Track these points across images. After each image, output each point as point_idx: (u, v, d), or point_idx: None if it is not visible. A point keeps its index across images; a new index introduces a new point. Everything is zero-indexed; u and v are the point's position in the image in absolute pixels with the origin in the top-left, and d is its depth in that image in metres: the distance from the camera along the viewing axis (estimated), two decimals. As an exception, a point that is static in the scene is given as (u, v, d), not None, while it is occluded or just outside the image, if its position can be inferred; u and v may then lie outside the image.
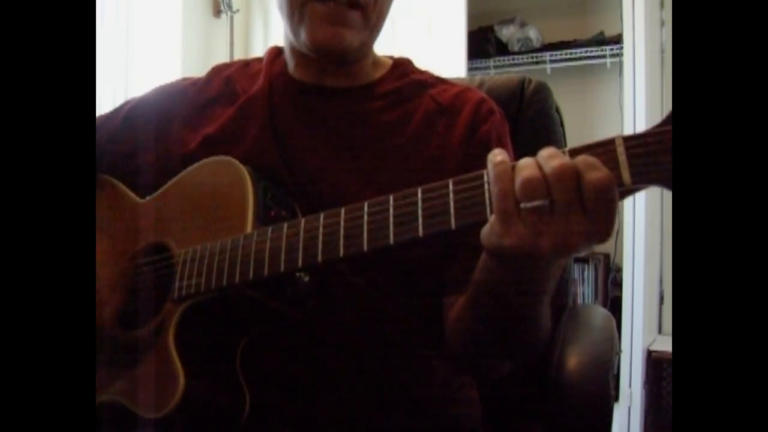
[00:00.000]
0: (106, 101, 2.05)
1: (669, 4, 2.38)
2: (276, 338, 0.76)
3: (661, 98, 2.36)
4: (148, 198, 0.86)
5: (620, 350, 2.05)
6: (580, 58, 2.60)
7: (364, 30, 0.81)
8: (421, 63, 0.93)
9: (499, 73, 2.67)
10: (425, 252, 0.78)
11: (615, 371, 0.90)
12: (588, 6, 2.72)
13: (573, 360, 0.89)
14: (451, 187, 0.57)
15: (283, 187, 0.78)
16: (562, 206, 0.51)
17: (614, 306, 2.33)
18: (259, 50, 2.62)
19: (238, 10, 2.52)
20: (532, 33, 2.69)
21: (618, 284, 2.38)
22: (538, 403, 0.90)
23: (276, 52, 0.92)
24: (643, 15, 2.20)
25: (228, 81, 0.91)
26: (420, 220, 0.58)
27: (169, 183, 0.83)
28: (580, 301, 2.49)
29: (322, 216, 0.64)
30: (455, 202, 0.56)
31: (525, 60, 2.68)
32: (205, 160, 0.80)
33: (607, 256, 2.49)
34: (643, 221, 2.17)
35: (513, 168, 0.53)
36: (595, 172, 0.50)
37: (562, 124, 1.09)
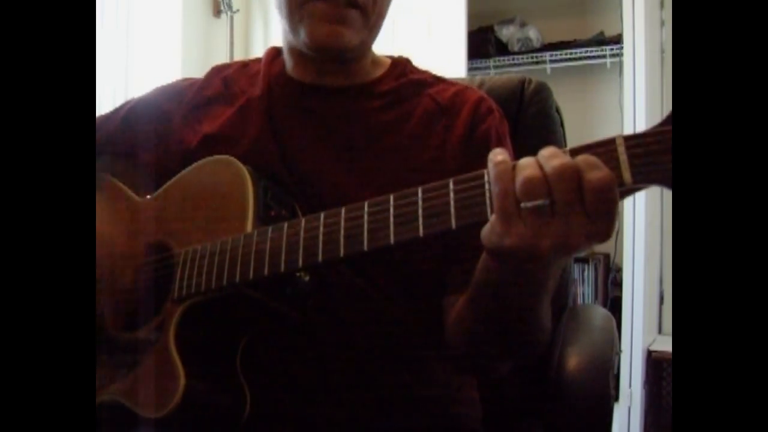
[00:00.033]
0: (106, 101, 2.05)
1: (669, 4, 2.38)
2: (276, 338, 0.76)
3: (661, 98, 2.36)
4: (148, 197, 0.86)
5: (620, 350, 2.05)
6: (580, 58, 2.60)
7: (363, 29, 0.81)
8: (421, 63, 0.93)
9: (499, 73, 2.67)
10: (425, 252, 0.78)
11: (615, 371, 0.90)
12: (588, 6, 2.72)
13: (573, 360, 0.89)
14: (451, 186, 0.57)
15: (283, 187, 0.78)
16: (563, 206, 0.51)
17: (614, 306, 2.33)
18: (259, 50, 2.62)
19: (238, 10, 2.52)
20: (532, 33, 2.69)
21: (618, 284, 2.38)
22: (539, 403, 0.90)
23: (274, 53, 0.92)
24: (643, 15, 2.20)
25: (227, 81, 0.91)
26: (420, 219, 0.58)
27: (170, 182, 0.83)
28: (580, 301, 2.49)
29: (322, 216, 0.64)
30: (456, 201, 0.56)
31: (525, 60, 2.68)
32: (206, 160, 0.80)
33: (607, 256, 2.49)
34: (643, 221, 2.17)
35: (514, 167, 0.53)
36: (596, 171, 0.50)
37: (562, 124, 1.09)
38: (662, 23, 2.41)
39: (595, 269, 2.49)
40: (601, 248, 2.46)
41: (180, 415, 0.67)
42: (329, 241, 0.63)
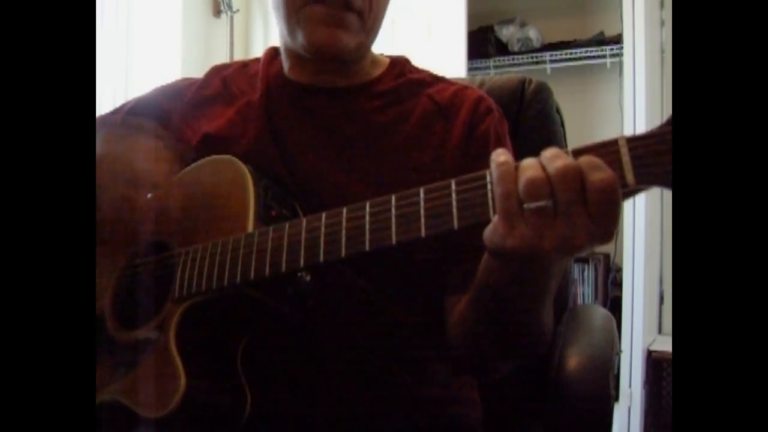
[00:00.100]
0: (106, 101, 2.05)
1: (669, 4, 2.38)
2: (277, 338, 0.76)
3: (661, 98, 2.36)
4: (148, 196, 0.86)
5: (620, 350, 2.05)
6: (580, 58, 2.60)
7: (361, 32, 0.81)
8: (421, 63, 0.93)
9: (499, 73, 2.67)
10: (427, 252, 0.78)
11: (615, 371, 0.90)
12: (588, 6, 2.72)
13: (573, 360, 0.89)
14: (453, 187, 0.57)
15: (283, 187, 0.78)
16: (566, 207, 0.51)
17: (614, 306, 2.33)
18: (259, 50, 2.61)
19: (238, 10, 2.52)
20: (532, 33, 2.69)
21: (618, 284, 2.38)
22: (539, 403, 0.90)
23: (273, 53, 0.92)
24: (643, 15, 2.20)
25: (226, 81, 0.92)
26: (422, 220, 0.58)
27: (170, 182, 0.83)
28: (580, 301, 2.49)
29: (324, 216, 0.64)
30: (458, 202, 0.56)
31: (525, 60, 2.68)
32: (206, 159, 0.80)
33: (607, 256, 2.50)
34: (643, 221, 2.18)
35: (516, 168, 0.53)
36: (599, 172, 0.50)
37: (562, 124, 1.09)
38: (662, 23, 2.41)
39: (595, 269, 2.49)
40: (601, 248, 2.46)
41: (180, 415, 0.67)
42: (331, 242, 0.63)
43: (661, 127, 0.50)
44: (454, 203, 0.56)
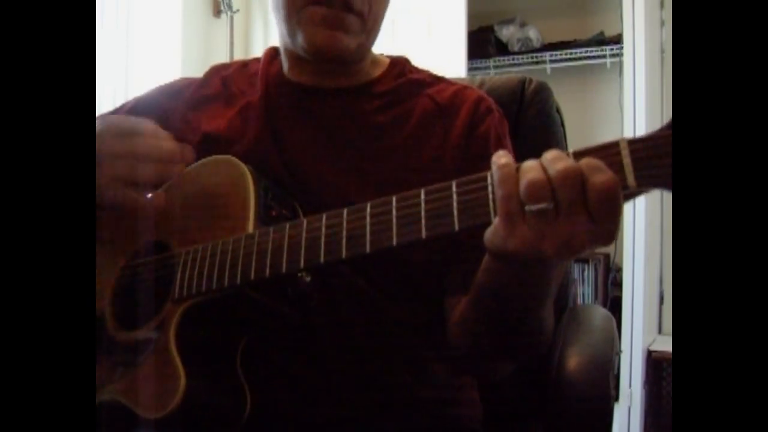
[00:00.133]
0: (106, 101, 2.05)
1: (669, 4, 2.38)
2: (277, 338, 0.76)
3: (661, 98, 2.36)
4: (148, 196, 0.86)
5: (620, 350, 2.05)
6: (580, 58, 2.60)
7: (361, 33, 0.81)
8: (421, 63, 0.93)
9: (499, 73, 2.67)
10: (427, 252, 0.78)
11: (615, 371, 0.90)
12: (588, 6, 2.72)
13: (573, 360, 0.89)
14: (454, 188, 0.57)
15: (283, 188, 0.78)
16: (567, 209, 0.51)
17: (614, 306, 2.33)
18: (259, 50, 2.61)
19: (238, 10, 2.52)
20: (532, 33, 2.69)
21: (618, 284, 2.38)
22: (539, 403, 0.90)
23: (273, 53, 0.92)
24: (643, 15, 2.20)
25: (226, 81, 0.92)
26: (423, 221, 0.57)
27: (170, 181, 0.83)
28: (580, 301, 2.49)
29: (324, 217, 0.64)
30: (458, 203, 0.56)
31: (525, 60, 2.68)
32: (207, 159, 0.80)
33: (607, 256, 2.49)
34: (643, 221, 2.18)
35: (517, 170, 0.53)
36: (600, 175, 0.50)
37: (562, 124, 1.08)
38: (662, 23, 2.41)
39: (595, 269, 2.49)
40: (601, 248, 2.46)
41: (180, 415, 0.67)
42: (331, 242, 0.63)
43: (662, 129, 0.50)
44: (455, 205, 0.56)
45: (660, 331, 2.42)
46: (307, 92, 0.86)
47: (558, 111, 1.08)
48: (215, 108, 0.89)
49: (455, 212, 0.56)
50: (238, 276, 0.68)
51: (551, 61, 2.64)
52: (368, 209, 0.61)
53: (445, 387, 0.84)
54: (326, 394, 0.78)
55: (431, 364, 0.83)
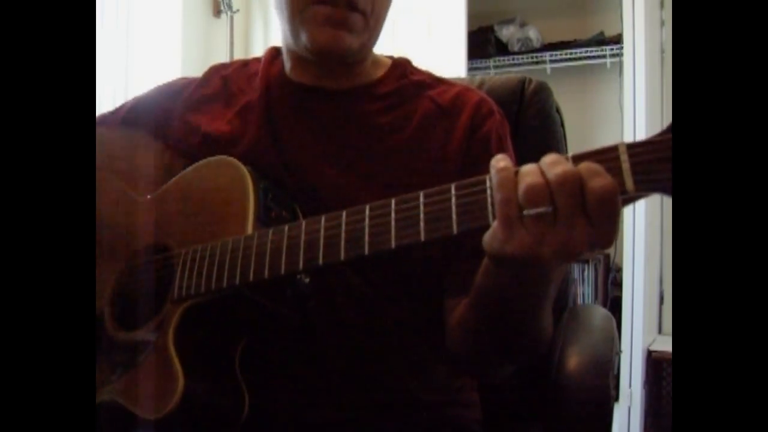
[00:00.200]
0: (106, 101, 2.05)
1: (669, 4, 2.38)
2: (276, 339, 0.76)
3: (661, 98, 2.36)
4: (148, 197, 0.86)
5: (620, 350, 2.05)
6: (580, 58, 2.60)
7: (364, 32, 0.81)
8: (421, 63, 0.93)
9: (499, 73, 2.67)
10: (426, 255, 0.78)
11: (615, 371, 0.90)
12: (588, 6, 2.72)
13: (573, 360, 0.88)
14: (453, 191, 0.57)
15: (283, 189, 0.78)
16: (565, 213, 0.51)
17: (614, 306, 2.33)
18: (259, 50, 2.62)
19: (238, 10, 2.52)
20: (532, 33, 2.69)
21: (618, 284, 2.38)
22: (538, 403, 0.90)
23: (274, 53, 0.92)
24: (643, 15, 2.20)
25: (225, 81, 0.91)
26: (422, 224, 0.57)
27: (170, 182, 0.83)
28: (580, 301, 2.49)
29: (323, 218, 0.64)
30: (457, 207, 0.56)
31: (525, 60, 2.68)
32: (206, 160, 0.80)
33: (607, 256, 2.49)
34: (643, 221, 2.17)
35: (516, 174, 0.53)
36: (599, 179, 0.50)
37: (562, 124, 1.08)
38: (662, 23, 2.41)
39: (595, 269, 2.49)
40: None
41: (179, 416, 0.67)
42: (330, 244, 0.63)
43: (662, 133, 0.50)
44: (454, 208, 0.56)
45: (660, 331, 2.42)
46: (309, 92, 0.86)
47: (558, 111, 1.08)
48: (215, 108, 0.89)
49: (454, 215, 0.56)
50: (237, 277, 0.68)
51: (551, 61, 2.64)
52: (367, 211, 0.61)
53: (444, 388, 0.84)
54: (325, 395, 0.78)
55: (431, 365, 0.83)
